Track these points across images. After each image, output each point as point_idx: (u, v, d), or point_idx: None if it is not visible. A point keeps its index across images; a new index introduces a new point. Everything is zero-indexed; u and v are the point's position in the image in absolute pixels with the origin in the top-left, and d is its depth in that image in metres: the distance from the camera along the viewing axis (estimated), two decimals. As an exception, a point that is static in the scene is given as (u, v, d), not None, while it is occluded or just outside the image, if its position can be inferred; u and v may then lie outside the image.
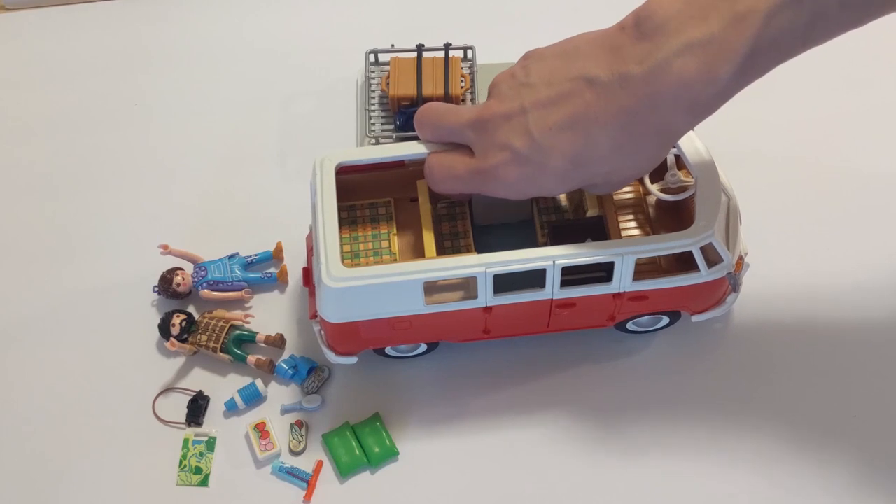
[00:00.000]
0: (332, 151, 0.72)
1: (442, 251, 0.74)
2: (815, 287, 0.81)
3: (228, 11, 1.01)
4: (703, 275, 0.70)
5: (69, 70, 0.97)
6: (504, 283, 0.68)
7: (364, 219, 0.76)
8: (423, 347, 0.77)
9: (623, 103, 0.60)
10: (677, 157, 0.74)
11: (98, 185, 0.89)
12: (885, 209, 0.85)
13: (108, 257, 0.85)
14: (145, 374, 0.79)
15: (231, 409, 0.77)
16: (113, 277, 0.84)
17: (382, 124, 0.89)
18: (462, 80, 0.88)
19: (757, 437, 0.75)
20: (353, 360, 0.74)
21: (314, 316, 0.72)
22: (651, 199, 0.76)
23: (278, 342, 0.79)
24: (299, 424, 0.76)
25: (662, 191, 0.73)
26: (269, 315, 0.82)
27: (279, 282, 0.83)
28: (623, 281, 0.69)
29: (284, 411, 0.77)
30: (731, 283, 0.72)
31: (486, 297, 0.69)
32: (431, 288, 0.69)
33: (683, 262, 0.70)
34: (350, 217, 0.76)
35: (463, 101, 0.88)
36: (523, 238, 0.74)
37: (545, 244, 0.72)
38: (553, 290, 0.69)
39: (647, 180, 0.74)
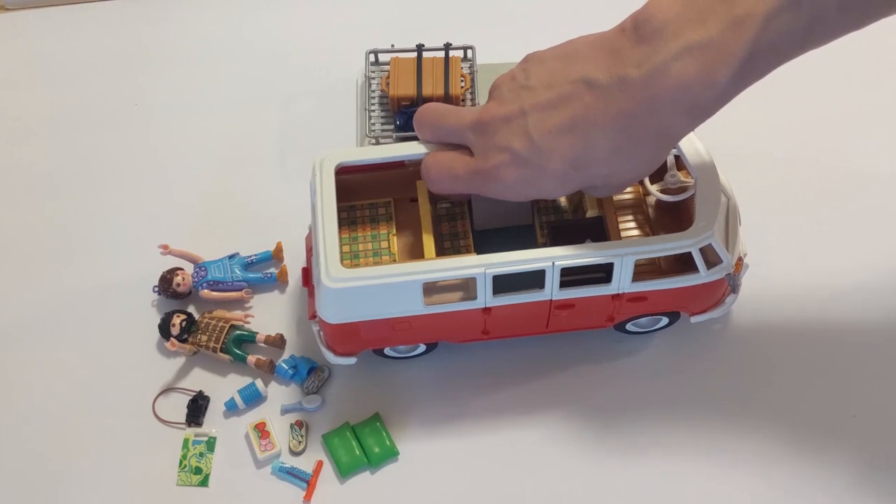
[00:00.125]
0: (332, 152, 0.72)
1: (441, 252, 0.74)
2: (814, 287, 0.81)
3: (228, 11, 1.01)
4: (703, 276, 0.70)
5: (69, 70, 0.97)
6: (503, 283, 0.68)
7: (364, 219, 0.76)
8: (423, 348, 0.77)
9: (622, 106, 0.60)
10: (677, 157, 0.74)
11: (98, 185, 0.89)
12: (885, 209, 0.85)
13: (108, 257, 0.85)
14: (145, 374, 0.79)
15: (231, 409, 0.77)
16: (113, 277, 0.84)
17: (382, 124, 0.89)
18: (462, 80, 0.88)
19: (757, 438, 0.75)
20: (352, 360, 0.74)
21: (313, 316, 0.72)
22: (651, 200, 0.76)
23: (278, 342, 0.79)
24: (299, 424, 0.76)
25: (662, 191, 0.73)
26: (269, 315, 0.82)
27: (279, 282, 0.83)
28: (622, 282, 0.69)
29: (284, 411, 0.77)
30: (731, 284, 0.72)
31: (485, 297, 0.69)
32: (431, 289, 0.69)
33: (683, 263, 0.70)
34: (350, 217, 0.76)
35: (463, 101, 0.88)
36: (522, 238, 0.74)
37: (544, 245, 0.72)
38: (552, 290, 0.69)
39: (646, 181, 0.74)
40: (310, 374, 0.78)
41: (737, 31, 0.56)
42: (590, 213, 0.72)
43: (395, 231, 0.75)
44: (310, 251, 0.75)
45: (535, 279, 0.68)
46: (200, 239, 0.85)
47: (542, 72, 0.64)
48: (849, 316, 0.80)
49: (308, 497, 0.73)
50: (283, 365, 0.78)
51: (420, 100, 0.86)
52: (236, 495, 0.74)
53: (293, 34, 0.99)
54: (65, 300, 0.83)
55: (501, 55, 0.87)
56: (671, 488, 0.73)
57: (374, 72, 0.92)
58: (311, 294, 0.73)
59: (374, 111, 0.90)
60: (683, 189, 0.73)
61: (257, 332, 0.80)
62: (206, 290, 0.81)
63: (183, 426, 0.77)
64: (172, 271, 0.82)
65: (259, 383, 0.77)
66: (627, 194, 0.76)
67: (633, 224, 0.75)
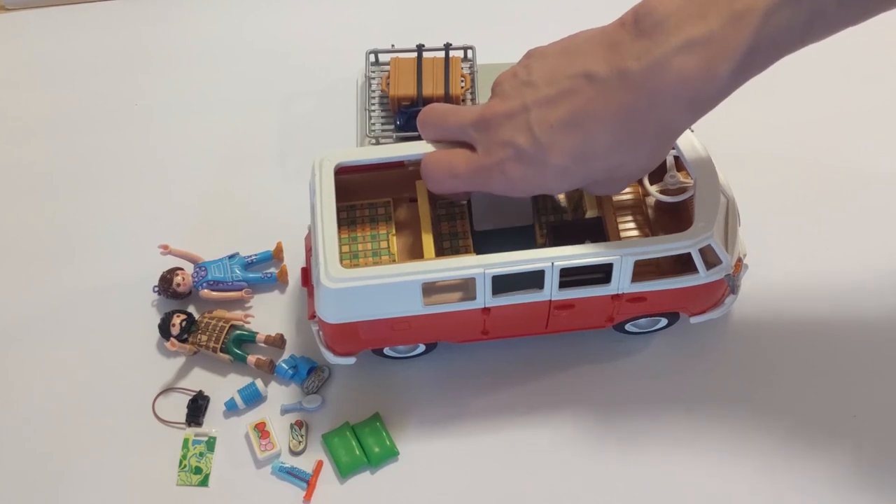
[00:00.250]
0: (332, 152, 0.72)
1: (441, 252, 0.74)
2: (814, 287, 0.81)
3: (228, 11, 1.01)
4: (702, 276, 0.70)
5: (69, 70, 0.97)
6: (502, 284, 0.68)
7: (363, 219, 0.76)
8: (422, 348, 0.77)
9: (622, 99, 0.60)
10: (676, 158, 0.74)
11: (98, 185, 0.89)
12: (886, 209, 0.85)
13: (108, 257, 0.85)
14: (145, 374, 0.79)
15: (231, 409, 0.77)
16: (113, 277, 0.84)
17: (382, 124, 0.89)
18: (462, 80, 0.88)
19: (757, 437, 0.75)
20: (351, 360, 0.74)
21: (312, 316, 0.72)
22: (650, 201, 0.76)
23: (278, 342, 0.79)
24: (299, 424, 0.76)
25: (661, 192, 0.73)
26: (269, 315, 0.82)
27: (279, 282, 0.83)
28: (622, 282, 0.69)
29: (284, 411, 0.77)
30: (730, 284, 0.71)
31: (484, 298, 0.69)
32: (430, 289, 0.69)
33: (682, 264, 0.70)
34: (349, 217, 0.76)
35: (463, 101, 0.88)
36: (522, 238, 0.74)
37: (544, 245, 0.72)
38: (551, 291, 0.69)
39: (646, 181, 0.74)
40: (310, 374, 0.78)
41: (737, 26, 0.56)
42: (589, 214, 0.72)
43: (394, 231, 0.75)
44: (309, 251, 0.75)
45: (534, 279, 0.68)
46: (200, 239, 0.85)
47: (544, 67, 0.64)
48: (848, 316, 0.80)
49: (308, 497, 0.73)
50: (283, 365, 0.78)
51: (420, 100, 0.86)
52: (236, 495, 0.74)
53: (293, 34, 0.99)
54: (65, 300, 0.83)
55: (501, 55, 0.87)
56: (671, 488, 0.73)
57: (374, 72, 0.92)
58: (311, 294, 0.73)
59: (374, 111, 0.90)
60: (683, 190, 0.73)
61: (257, 332, 0.80)
62: (206, 290, 0.81)
63: (183, 426, 0.77)
64: (172, 271, 0.82)
65: (259, 383, 0.77)
66: (627, 195, 0.76)
67: (632, 224, 0.74)
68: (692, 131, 0.71)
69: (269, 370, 0.78)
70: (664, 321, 0.77)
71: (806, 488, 0.73)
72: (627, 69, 0.59)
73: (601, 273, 0.69)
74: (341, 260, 0.68)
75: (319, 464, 0.75)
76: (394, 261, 0.73)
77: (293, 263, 0.83)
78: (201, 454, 0.75)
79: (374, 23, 0.98)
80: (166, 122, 0.93)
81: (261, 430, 0.76)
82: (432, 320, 0.70)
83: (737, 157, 0.80)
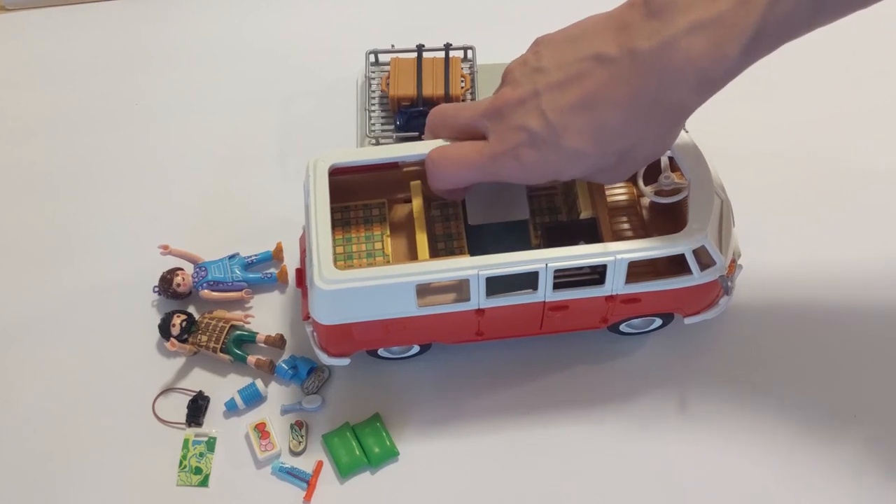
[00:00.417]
0: (326, 153, 0.72)
1: (435, 253, 0.74)
2: (810, 287, 0.81)
3: (228, 11, 1.01)
4: (696, 277, 0.70)
5: (69, 70, 0.97)
6: (496, 285, 0.68)
7: (357, 220, 0.76)
8: (416, 349, 0.77)
9: (632, 79, 0.60)
10: (671, 159, 0.74)
11: (98, 185, 0.89)
12: (884, 209, 0.85)
13: (108, 257, 0.85)
14: (145, 374, 0.79)
15: (231, 409, 0.77)
16: (113, 277, 0.84)
17: (382, 124, 0.89)
18: (462, 81, 0.88)
19: (754, 437, 0.75)
20: (345, 361, 0.74)
21: (307, 317, 0.72)
22: (645, 202, 0.76)
23: (278, 342, 0.79)
24: (299, 425, 0.76)
25: (656, 193, 0.73)
26: (269, 315, 0.82)
27: (279, 282, 0.83)
28: (615, 283, 0.69)
29: (284, 411, 0.77)
30: (724, 285, 0.71)
31: (478, 299, 0.69)
32: (424, 290, 0.69)
33: (677, 265, 0.70)
34: (343, 218, 0.76)
35: (463, 101, 0.88)
36: (516, 234, 0.74)
37: (538, 246, 0.72)
38: (545, 292, 0.69)
39: (640, 182, 0.74)
40: (310, 375, 0.78)
41: (746, 7, 0.56)
42: (584, 215, 0.72)
43: (388, 232, 0.75)
44: (304, 252, 0.75)
45: (528, 281, 0.68)
46: (200, 239, 0.85)
47: (554, 53, 0.64)
48: (847, 316, 0.80)
49: (308, 497, 0.73)
50: (283, 365, 0.78)
51: (420, 100, 0.86)
52: (236, 495, 0.74)
53: (293, 34, 0.99)
54: (65, 300, 0.83)
55: (501, 55, 0.86)
56: (670, 487, 0.73)
57: (374, 72, 0.92)
58: (305, 295, 0.73)
59: (374, 111, 0.90)
60: (677, 191, 0.73)
61: (257, 333, 0.80)
62: (206, 291, 0.81)
63: (183, 426, 0.77)
64: (172, 271, 0.82)
65: (259, 383, 0.77)
66: (621, 196, 0.76)
67: (626, 225, 0.74)
68: (686, 132, 0.71)
69: (269, 370, 0.78)
70: (658, 321, 0.77)
71: (804, 487, 0.73)
72: (637, 49, 0.60)
73: (595, 274, 0.69)
74: (335, 261, 0.68)
75: (319, 464, 0.75)
76: (388, 262, 0.73)
77: (293, 264, 0.83)
78: (201, 454, 0.75)
79: (374, 23, 0.98)
80: (166, 122, 0.93)
81: (261, 430, 0.76)
82: (426, 321, 0.70)
83: (736, 156, 0.81)
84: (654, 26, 0.59)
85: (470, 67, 0.90)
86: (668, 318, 0.76)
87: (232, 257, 0.83)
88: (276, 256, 0.84)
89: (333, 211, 0.70)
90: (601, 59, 0.61)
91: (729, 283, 0.71)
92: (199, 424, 0.77)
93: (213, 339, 0.78)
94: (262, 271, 0.83)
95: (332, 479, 0.74)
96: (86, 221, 0.87)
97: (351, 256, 0.74)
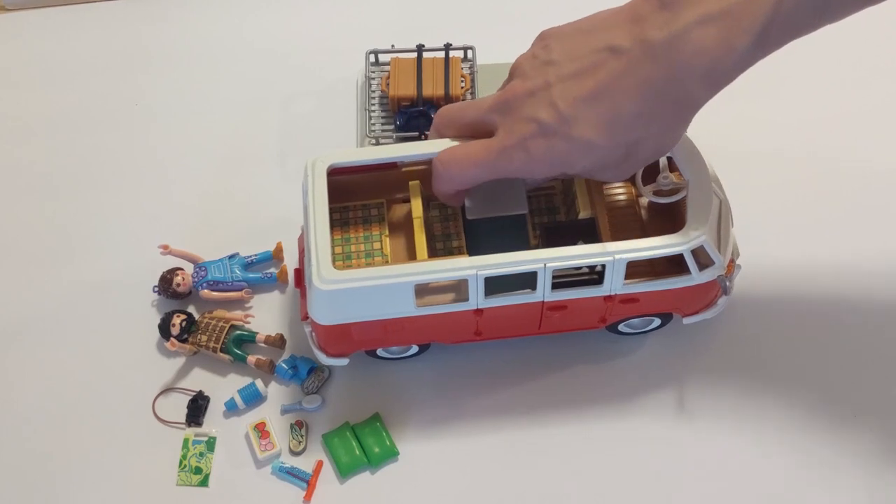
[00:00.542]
0: (325, 153, 0.72)
1: (433, 253, 0.74)
2: (811, 286, 0.81)
3: (228, 11, 1.01)
4: (695, 277, 0.70)
5: (69, 70, 0.97)
6: (495, 285, 0.68)
7: (356, 220, 0.76)
8: (415, 349, 0.77)
9: (644, 69, 0.61)
10: (670, 159, 0.74)
11: (98, 185, 0.89)
12: (885, 208, 0.85)
13: (108, 257, 0.85)
14: (145, 374, 0.79)
15: (231, 409, 0.77)
16: (113, 277, 0.84)
17: (382, 124, 0.89)
18: (462, 81, 0.88)
19: (753, 437, 0.75)
20: (344, 361, 0.74)
21: (305, 317, 0.72)
22: (643, 202, 0.76)
23: (278, 342, 0.79)
24: (299, 424, 0.76)
25: (655, 193, 0.73)
26: (269, 315, 0.82)
27: (279, 282, 0.83)
28: (614, 283, 0.69)
29: (284, 411, 0.77)
30: (723, 285, 0.71)
31: (477, 299, 0.69)
32: (422, 290, 0.69)
33: (676, 265, 0.70)
34: (342, 218, 0.76)
35: (463, 101, 0.88)
36: (514, 228, 0.74)
37: (537, 246, 0.72)
38: (544, 292, 0.69)
39: (639, 182, 0.74)
40: (310, 374, 0.78)
41: (755, 0, 0.57)
42: (582, 215, 0.72)
43: (387, 232, 0.75)
44: (302, 252, 0.75)
45: (526, 281, 0.68)
46: (200, 239, 0.85)
47: (564, 46, 0.64)
48: (847, 315, 0.80)
49: (308, 497, 0.73)
50: (283, 365, 0.78)
51: (420, 100, 0.86)
52: (236, 495, 0.74)
53: (293, 34, 0.99)
54: (65, 300, 0.83)
55: (501, 55, 0.87)
56: (670, 487, 0.73)
57: (374, 72, 0.92)
58: (304, 295, 0.73)
59: (374, 111, 0.90)
60: (676, 191, 0.73)
61: (257, 332, 0.80)
62: (206, 290, 0.81)
63: (183, 426, 0.77)
64: (172, 271, 0.82)
65: (259, 383, 0.77)
66: (620, 196, 0.76)
67: (625, 225, 0.74)
68: (686, 134, 0.71)
69: (269, 370, 0.78)
70: (657, 321, 0.77)
71: (805, 486, 0.73)
72: (650, 39, 0.60)
73: (594, 274, 0.69)
74: (334, 261, 0.68)
75: (319, 464, 0.75)
76: (387, 262, 0.74)
77: (293, 263, 0.83)
78: (201, 454, 0.75)
79: (374, 23, 0.98)
80: (166, 122, 0.93)
81: (261, 430, 0.76)
82: (425, 321, 0.70)
83: (732, 156, 0.80)
84: (666, 17, 0.59)
85: (470, 67, 0.90)
86: (666, 317, 0.76)
87: (232, 257, 0.83)
88: (276, 256, 0.84)
89: (332, 211, 0.70)
90: (614, 51, 0.62)
91: (728, 283, 0.71)
92: (199, 424, 0.77)
93: (213, 338, 0.78)
94: (262, 271, 0.83)
95: (332, 478, 0.74)
96: (86, 221, 0.87)
97: (350, 256, 0.74)
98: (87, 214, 0.88)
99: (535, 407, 0.76)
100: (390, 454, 0.74)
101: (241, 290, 0.82)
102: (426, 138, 0.84)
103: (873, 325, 0.79)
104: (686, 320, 0.76)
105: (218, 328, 0.79)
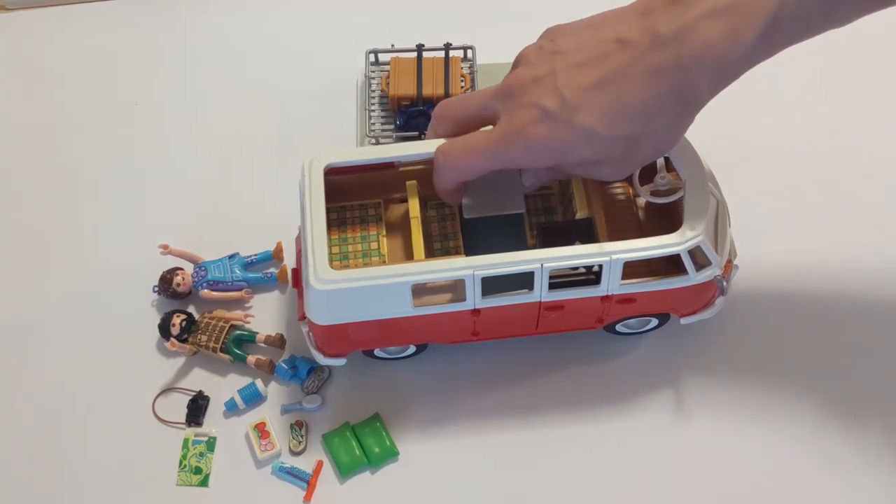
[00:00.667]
0: (321, 153, 0.72)
1: (431, 253, 0.74)
2: (808, 287, 0.81)
3: (228, 11, 1.01)
4: (692, 278, 0.70)
5: (68, 70, 0.97)
6: (492, 285, 0.68)
7: (353, 220, 0.76)
8: (412, 349, 0.77)
9: (651, 60, 0.61)
10: (667, 159, 0.74)
11: (97, 185, 0.89)
12: (885, 208, 0.85)
13: (108, 258, 0.85)
14: (145, 374, 0.79)
15: (231, 409, 0.77)
16: (113, 277, 0.84)
17: (382, 124, 0.89)
18: (462, 80, 0.88)
19: (753, 436, 0.75)
20: (341, 361, 0.74)
21: (303, 317, 0.72)
22: (641, 202, 0.76)
23: (278, 342, 0.79)
24: (299, 424, 0.76)
25: (652, 193, 0.73)
26: (269, 315, 0.82)
27: (279, 282, 0.83)
28: (611, 284, 0.69)
29: (284, 411, 0.77)
30: (719, 285, 0.71)
31: (474, 299, 0.69)
32: (419, 290, 0.69)
33: (673, 265, 0.70)
34: (339, 218, 0.76)
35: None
36: (511, 226, 0.74)
37: (534, 246, 0.72)
38: (541, 292, 0.69)
39: (636, 182, 0.74)
40: (310, 374, 0.78)
41: None
42: (579, 215, 0.72)
43: (384, 232, 0.75)
44: (300, 252, 0.75)
45: (523, 281, 0.68)
46: (200, 239, 0.85)
47: (571, 38, 0.65)
48: (846, 315, 0.80)
49: (308, 497, 0.73)
50: (283, 365, 0.78)
51: (420, 100, 0.86)
52: (236, 495, 0.74)
53: (293, 34, 0.99)
54: (65, 300, 0.83)
55: (501, 55, 0.87)
56: (668, 486, 0.73)
57: (374, 72, 0.92)
58: (301, 295, 0.73)
59: (374, 111, 0.90)
60: (673, 191, 0.73)
61: (257, 332, 0.80)
62: (206, 290, 0.81)
63: (183, 426, 0.77)
64: (172, 271, 0.82)
65: (259, 383, 0.77)
66: (618, 196, 0.76)
67: (622, 225, 0.74)
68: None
69: (269, 370, 0.78)
70: (655, 322, 0.77)
71: (805, 486, 0.73)
72: (658, 31, 0.61)
73: (591, 274, 0.69)
74: (331, 261, 0.68)
75: (319, 464, 0.75)
76: (384, 262, 0.74)
77: (293, 263, 0.83)
78: (201, 454, 0.75)
79: (374, 23, 0.98)
80: (166, 122, 0.93)
81: (261, 430, 0.76)
82: (422, 322, 0.70)
83: (730, 156, 0.80)
84: (675, 11, 0.60)
85: (470, 67, 0.90)
86: (664, 318, 0.76)
87: (232, 257, 0.83)
88: (276, 256, 0.84)
89: (329, 211, 0.70)
90: (622, 42, 0.62)
91: (725, 283, 0.71)
92: (199, 424, 0.77)
93: (213, 338, 0.78)
94: (261, 271, 0.83)
95: (332, 479, 0.74)
96: (85, 221, 0.87)
97: (347, 256, 0.74)
98: (87, 214, 0.88)
99: (534, 407, 0.76)
100: (390, 454, 0.74)
101: (240, 290, 0.82)
102: (426, 138, 0.84)
103: (872, 325, 0.79)
104: (683, 320, 0.76)
105: (218, 328, 0.79)
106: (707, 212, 0.68)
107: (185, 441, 0.76)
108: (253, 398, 0.77)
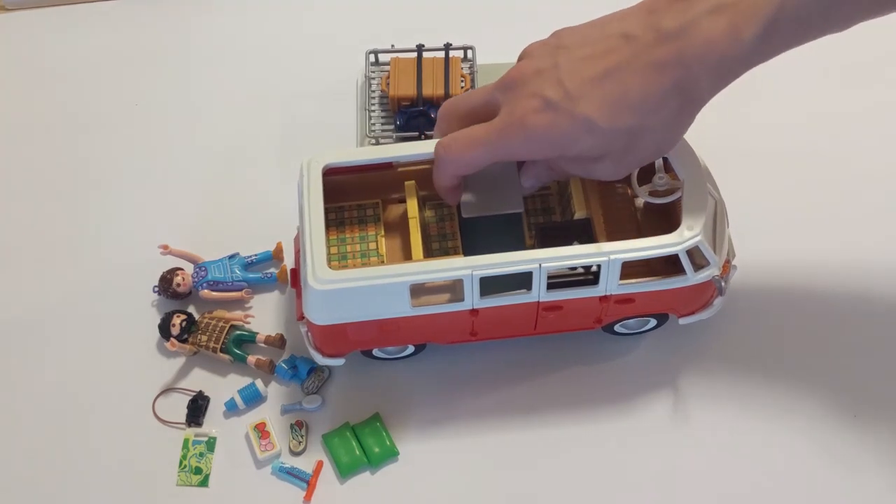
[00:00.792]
0: (320, 153, 0.72)
1: (429, 253, 0.74)
2: (807, 287, 0.81)
3: (228, 11, 1.01)
4: (690, 278, 0.70)
5: (69, 70, 0.97)
6: (490, 285, 0.68)
7: (352, 220, 0.76)
8: (411, 349, 0.77)
9: (654, 54, 0.62)
10: (665, 159, 0.74)
11: (98, 185, 0.89)
12: (884, 209, 0.85)
13: (109, 258, 0.85)
14: (145, 374, 0.79)
15: (231, 409, 0.77)
16: (113, 277, 0.84)
17: (382, 124, 0.89)
18: (462, 81, 0.88)
19: (752, 437, 0.75)
20: (340, 361, 0.74)
21: (301, 317, 0.72)
22: (639, 202, 0.76)
23: (278, 342, 0.79)
24: (299, 424, 0.76)
25: (650, 193, 0.73)
26: (269, 315, 0.82)
27: (279, 282, 0.83)
28: (609, 284, 0.69)
29: (284, 411, 0.77)
30: (718, 286, 0.71)
31: (472, 299, 0.69)
32: (418, 290, 0.69)
33: (671, 265, 0.70)
34: (338, 218, 0.76)
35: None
36: (510, 226, 0.74)
37: (533, 246, 0.72)
38: (539, 292, 0.69)
39: (634, 182, 0.74)
40: (310, 374, 0.78)
41: None
42: (578, 215, 0.72)
43: (383, 232, 0.75)
44: (298, 252, 0.75)
45: (522, 281, 0.68)
46: (200, 239, 0.85)
47: (576, 35, 0.66)
48: (845, 315, 0.80)
49: (308, 497, 0.73)
50: (283, 365, 0.78)
51: (420, 100, 0.86)
52: (236, 495, 0.74)
53: (293, 34, 0.99)
54: (65, 300, 0.83)
55: (501, 55, 0.87)
56: (668, 487, 0.73)
57: (374, 72, 0.92)
58: (299, 295, 0.73)
59: (374, 111, 0.90)
60: (671, 191, 0.73)
61: (257, 332, 0.80)
62: (206, 290, 0.81)
63: (183, 426, 0.77)
64: (172, 271, 0.82)
65: (259, 383, 0.77)
66: (616, 196, 0.76)
67: (621, 226, 0.74)
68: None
69: (269, 370, 0.78)
70: (653, 322, 0.77)
71: (805, 486, 0.73)
72: (662, 27, 0.61)
73: (589, 274, 0.69)
74: (329, 261, 0.68)
75: (319, 464, 0.75)
76: (382, 262, 0.74)
77: (293, 264, 0.83)
78: (201, 454, 0.75)
79: (374, 23, 0.98)
80: (166, 123, 0.93)
81: (261, 430, 0.76)
82: (420, 322, 0.70)
83: (729, 156, 0.80)
84: (679, 8, 0.61)
85: (470, 67, 0.90)
86: (662, 318, 0.76)
87: (232, 257, 0.83)
88: (276, 256, 0.84)
89: (328, 211, 0.70)
90: (627, 37, 0.63)
91: (723, 284, 0.71)
92: (199, 424, 0.77)
93: (213, 339, 0.78)
94: (262, 271, 0.83)
95: (332, 479, 0.74)
96: (86, 221, 0.87)
97: (345, 257, 0.74)
98: (88, 214, 0.88)
99: (534, 407, 0.76)
100: (390, 454, 0.75)
101: (240, 290, 0.82)
102: (426, 138, 0.85)
103: (872, 325, 0.79)
104: (682, 321, 0.76)
105: (218, 328, 0.79)
106: (705, 212, 0.68)
107: (185, 441, 0.76)
108: (253, 398, 0.77)
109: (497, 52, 0.89)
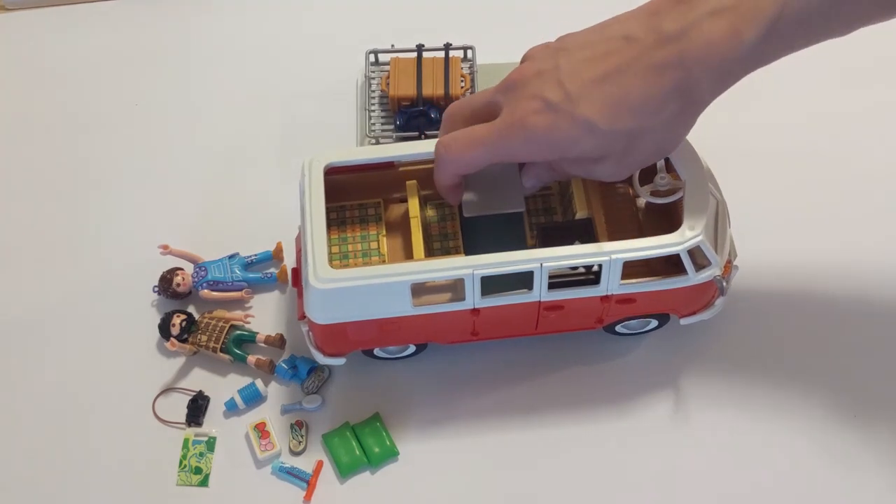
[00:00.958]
0: (322, 152, 0.72)
1: (430, 252, 0.74)
2: (809, 287, 0.81)
3: (228, 12, 1.01)
4: (691, 278, 0.70)
5: (69, 70, 0.97)
6: (492, 285, 0.68)
7: (353, 220, 0.76)
8: (412, 349, 0.77)
9: (655, 57, 0.62)
10: (667, 159, 0.74)
11: (98, 185, 0.89)
12: (884, 209, 0.85)
13: (109, 258, 0.85)
14: (145, 374, 0.79)
15: (231, 409, 0.77)
16: (113, 277, 0.84)
17: (382, 124, 0.89)
18: (462, 80, 0.88)
19: (753, 437, 0.75)
20: (341, 361, 0.74)
21: (302, 317, 0.72)
22: (640, 202, 0.76)
23: (278, 342, 0.79)
24: (299, 424, 0.76)
25: (652, 193, 0.73)
26: (269, 315, 0.82)
27: (279, 282, 0.83)
28: (611, 284, 0.69)
29: (284, 411, 0.77)
30: (719, 286, 0.71)
31: (473, 299, 0.69)
32: (419, 289, 0.69)
33: (673, 265, 0.70)
34: (339, 218, 0.76)
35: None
36: (511, 225, 0.74)
37: (534, 246, 0.72)
38: (541, 292, 0.69)
39: (636, 182, 0.74)
40: (310, 374, 0.78)
41: None
42: (579, 215, 0.72)
43: (384, 232, 0.75)
44: (300, 252, 0.76)
45: (523, 280, 0.68)
46: (200, 239, 0.85)
47: (578, 37, 0.66)
48: (846, 316, 0.80)
49: (308, 497, 0.73)
50: (283, 365, 0.78)
51: (420, 100, 0.86)
52: (236, 495, 0.74)
53: (293, 34, 0.99)
54: (65, 300, 0.83)
55: (501, 55, 0.87)
56: (668, 487, 0.73)
57: (374, 72, 0.92)
58: (301, 294, 0.73)
59: (374, 111, 0.90)
60: (673, 191, 0.73)
61: (257, 332, 0.80)
62: (206, 290, 0.81)
63: (183, 426, 0.77)
64: (172, 271, 0.82)
65: (259, 383, 0.77)
66: (617, 196, 0.76)
67: (622, 225, 0.74)
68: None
69: (269, 370, 0.78)
70: (654, 322, 0.77)
71: (805, 487, 0.73)
72: (663, 29, 0.61)
73: (590, 274, 0.69)
74: (331, 261, 0.68)
75: (319, 464, 0.75)
76: (384, 261, 0.74)
77: (293, 263, 0.83)
78: (201, 454, 0.75)
79: (374, 23, 0.98)
80: (166, 123, 0.93)
81: (261, 430, 0.76)
82: (422, 321, 0.70)
83: (730, 156, 0.80)
84: (681, 10, 0.61)
85: (470, 67, 0.90)
86: (663, 318, 0.76)
87: (232, 257, 0.83)
88: (276, 256, 0.84)
89: (329, 210, 0.70)
90: (628, 39, 0.63)
91: (724, 284, 0.71)
92: (199, 424, 0.77)
93: (213, 338, 0.78)
94: (262, 271, 0.83)
95: (332, 478, 0.74)
96: (86, 221, 0.87)
97: (347, 256, 0.74)
98: (88, 214, 0.88)
99: (534, 407, 0.76)
100: (390, 454, 0.75)
101: (241, 290, 0.82)
102: (426, 138, 0.85)
103: (872, 325, 0.79)
104: (683, 321, 0.76)
105: (218, 328, 0.79)
106: (707, 212, 0.68)
107: (185, 441, 0.76)
108: (253, 398, 0.77)
109: (497, 53, 0.89)
